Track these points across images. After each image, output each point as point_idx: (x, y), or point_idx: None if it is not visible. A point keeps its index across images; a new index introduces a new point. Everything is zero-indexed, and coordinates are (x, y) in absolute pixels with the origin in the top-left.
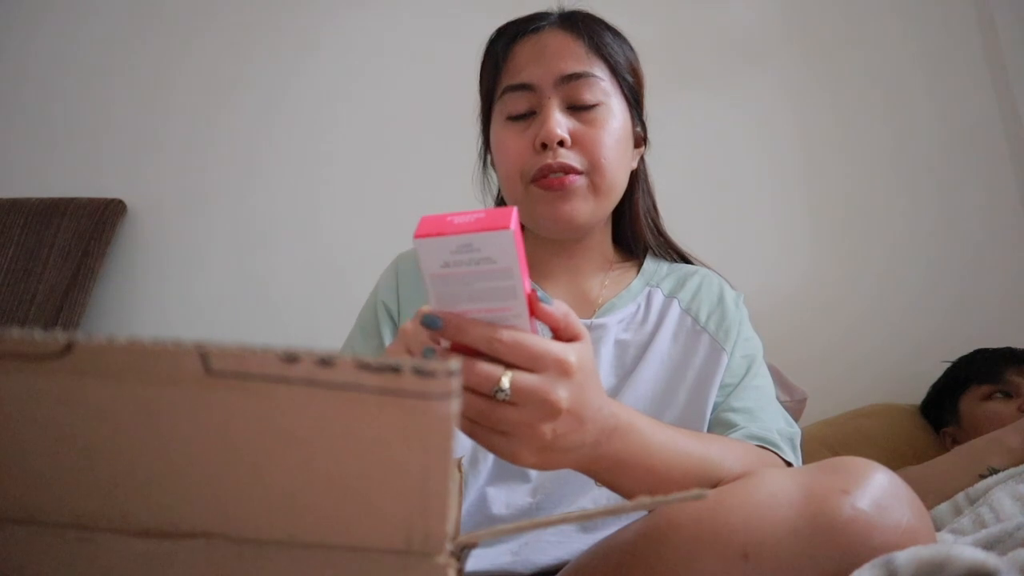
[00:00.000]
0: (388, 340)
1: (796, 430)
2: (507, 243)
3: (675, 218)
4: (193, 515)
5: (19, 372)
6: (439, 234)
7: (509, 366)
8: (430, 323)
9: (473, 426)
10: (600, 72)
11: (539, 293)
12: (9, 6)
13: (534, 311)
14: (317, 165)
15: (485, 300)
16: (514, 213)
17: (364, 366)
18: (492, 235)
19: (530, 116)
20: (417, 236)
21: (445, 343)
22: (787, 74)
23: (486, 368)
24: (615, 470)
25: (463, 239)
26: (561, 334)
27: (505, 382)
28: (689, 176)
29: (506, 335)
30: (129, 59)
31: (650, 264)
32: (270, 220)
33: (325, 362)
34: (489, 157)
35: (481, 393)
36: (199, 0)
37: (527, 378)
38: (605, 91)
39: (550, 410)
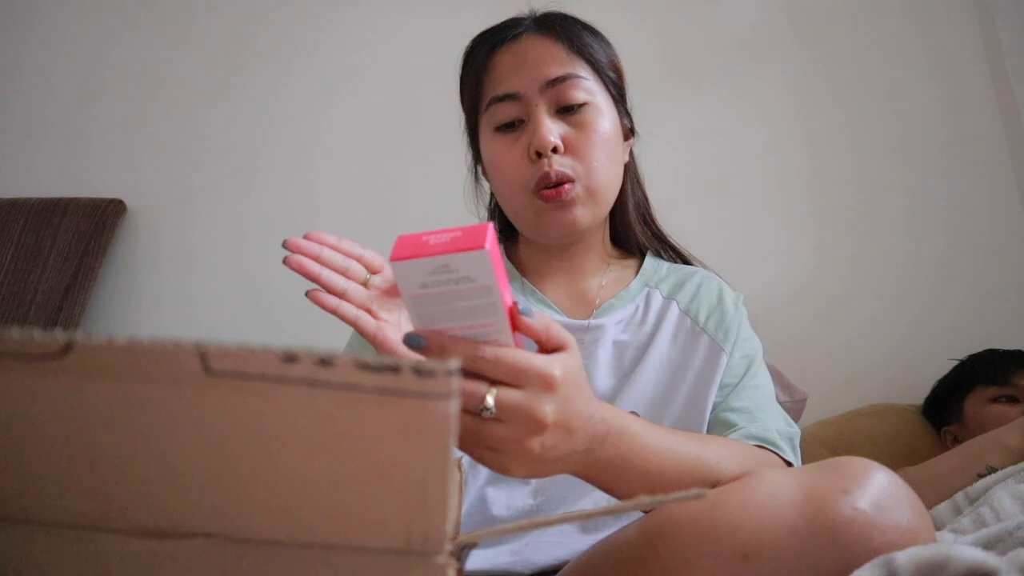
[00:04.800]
0: None
1: (796, 430)
2: (484, 262)
3: (678, 218)
4: (193, 515)
5: (19, 372)
6: (415, 256)
7: (494, 382)
8: (413, 343)
9: (463, 440)
10: (583, 72)
11: (520, 306)
12: (7, 6)
13: (516, 326)
14: (316, 165)
15: (466, 318)
16: (489, 230)
17: (363, 366)
18: (468, 255)
19: (519, 125)
20: (393, 259)
21: None
22: (791, 72)
23: (470, 386)
24: (609, 474)
25: (440, 260)
26: (545, 346)
27: (490, 400)
28: (693, 175)
29: (488, 352)
30: (128, 59)
31: (649, 264)
32: (269, 220)
33: (324, 362)
34: (480, 168)
35: (468, 411)
36: (197, 0)
37: (511, 395)
38: (590, 90)
39: (536, 426)
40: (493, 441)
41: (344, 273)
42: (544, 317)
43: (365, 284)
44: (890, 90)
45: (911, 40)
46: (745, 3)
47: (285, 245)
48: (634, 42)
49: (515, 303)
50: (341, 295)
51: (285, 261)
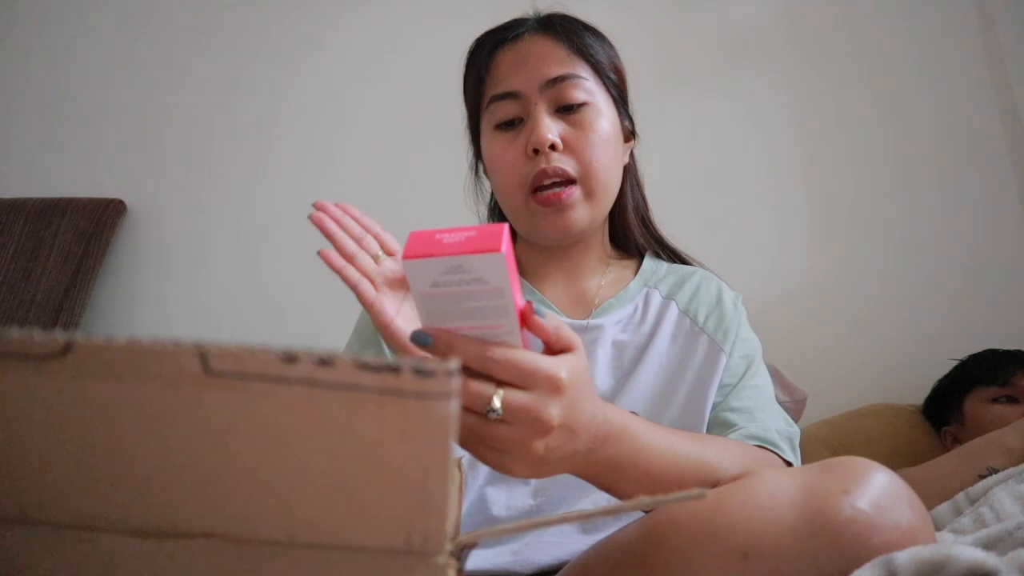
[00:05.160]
0: (386, 347)
1: (795, 430)
2: (499, 265)
3: (676, 218)
4: (193, 515)
5: (19, 372)
6: (428, 255)
7: (500, 383)
8: (420, 340)
9: (466, 439)
10: (584, 72)
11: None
12: (9, 6)
13: (527, 324)
14: (317, 165)
15: (476, 318)
16: (505, 232)
17: (363, 366)
18: (483, 257)
19: (519, 123)
20: (405, 257)
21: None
22: (788, 73)
23: (477, 387)
24: (610, 474)
25: (453, 261)
26: (553, 346)
27: (496, 402)
28: (690, 175)
29: (497, 352)
30: (129, 59)
31: (648, 264)
32: (270, 220)
33: (324, 362)
34: (481, 166)
35: (473, 411)
36: (200, 0)
37: (518, 397)
38: (590, 90)
39: (542, 428)
40: (497, 442)
41: (358, 241)
42: (554, 318)
43: (376, 260)
44: (888, 90)
45: (909, 41)
46: (742, 4)
47: (314, 205)
48: (631, 44)
49: (529, 303)
50: (349, 259)
51: (309, 216)
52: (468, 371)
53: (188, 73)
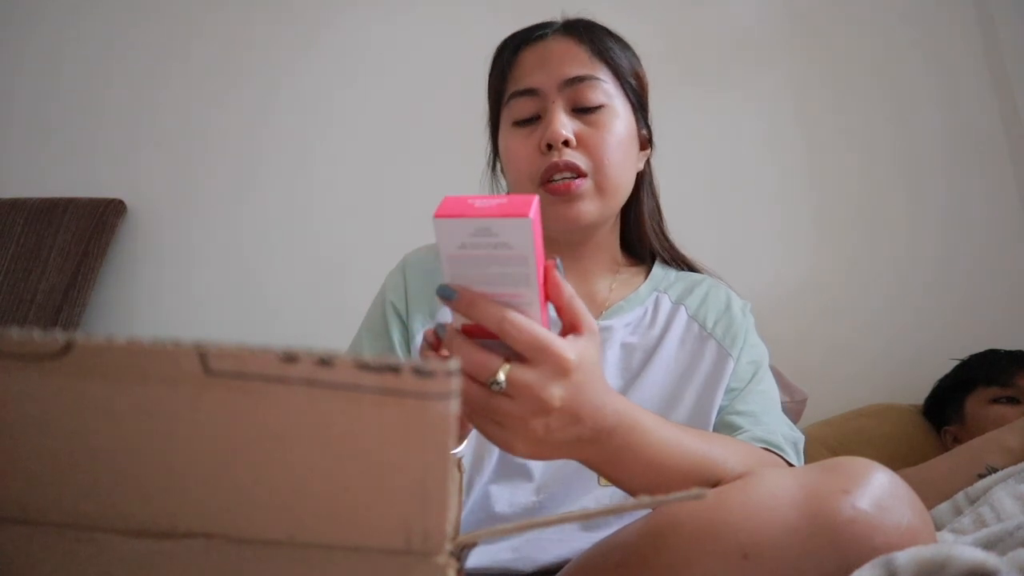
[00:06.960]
0: (397, 340)
1: (799, 435)
2: (525, 230)
3: (679, 218)
4: (193, 515)
5: (19, 372)
6: (459, 215)
7: (508, 358)
8: (444, 294)
9: (470, 411)
10: (603, 76)
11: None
12: (7, 5)
13: (547, 279)
14: (316, 165)
15: (499, 285)
16: (535, 202)
17: (363, 366)
18: (511, 221)
19: (536, 121)
20: (437, 216)
21: (456, 323)
22: (791, 74)
23: (483, 358)
24: (614, 464)
25: (482, 223)
26: (563, 314)
27: (501, 375)
28: (692, 176)
29: (517, 317)
30: (128, 58)
31: (658, 271)
32: (269, 220)
33: (324, 362)
34: (498, 163)
35: (479, 381)
36: (199, 1)
37: (523, 373)
38: (608, 93)
39: (542, 406)
40: (499, 415)
41: None
42: (570, 288)
43: None
44: (890, 90)
45: (911, 40)
46: (745, 5)
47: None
48: (633, 43)
49: (555, 259)
50: None
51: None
52: (477, 336)
53: (187, 72)
